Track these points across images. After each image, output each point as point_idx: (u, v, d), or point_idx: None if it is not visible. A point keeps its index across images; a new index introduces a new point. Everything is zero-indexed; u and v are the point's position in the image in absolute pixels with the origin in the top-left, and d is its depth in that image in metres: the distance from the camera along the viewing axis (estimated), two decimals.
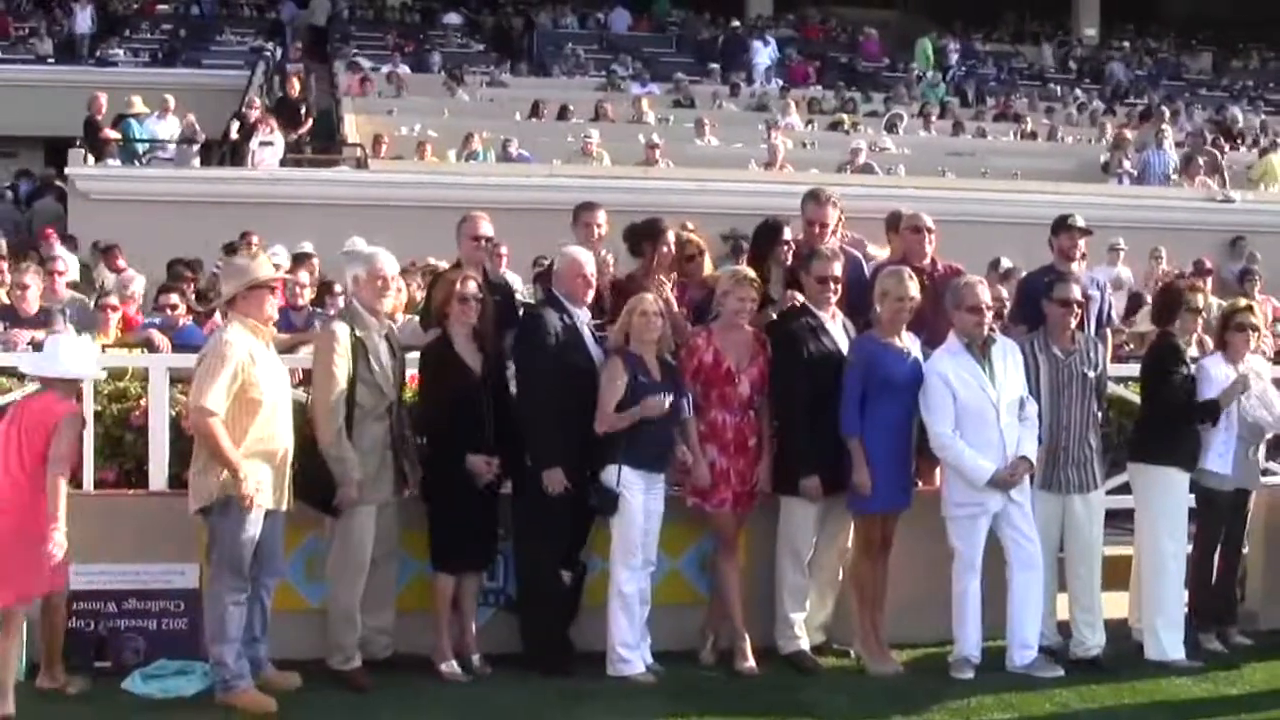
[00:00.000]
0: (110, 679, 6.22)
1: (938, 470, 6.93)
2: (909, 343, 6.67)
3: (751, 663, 6.59)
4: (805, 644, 6.74)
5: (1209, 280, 13.02)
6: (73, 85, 20.38)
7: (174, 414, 6.85)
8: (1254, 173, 19.63)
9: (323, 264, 11.50)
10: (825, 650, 6.89)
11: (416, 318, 7.53)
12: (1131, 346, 10.16)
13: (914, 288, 6.60)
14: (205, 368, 5.90)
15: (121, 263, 12.79)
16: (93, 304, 10.13)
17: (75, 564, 6.04)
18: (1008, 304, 8.53)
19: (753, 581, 6.77)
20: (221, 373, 5.82)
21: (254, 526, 5.92)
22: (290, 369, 6.51)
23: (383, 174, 16.80)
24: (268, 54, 23.37)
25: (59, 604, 6.07)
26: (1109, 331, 8.14)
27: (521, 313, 7.05)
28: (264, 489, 5.91)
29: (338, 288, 10.02)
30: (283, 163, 16.84)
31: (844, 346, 6.68)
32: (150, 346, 8.31)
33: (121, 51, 24.04)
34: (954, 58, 27.66)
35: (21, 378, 6.69)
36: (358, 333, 6.27)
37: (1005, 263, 12.05)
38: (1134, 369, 7.72)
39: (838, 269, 6.71)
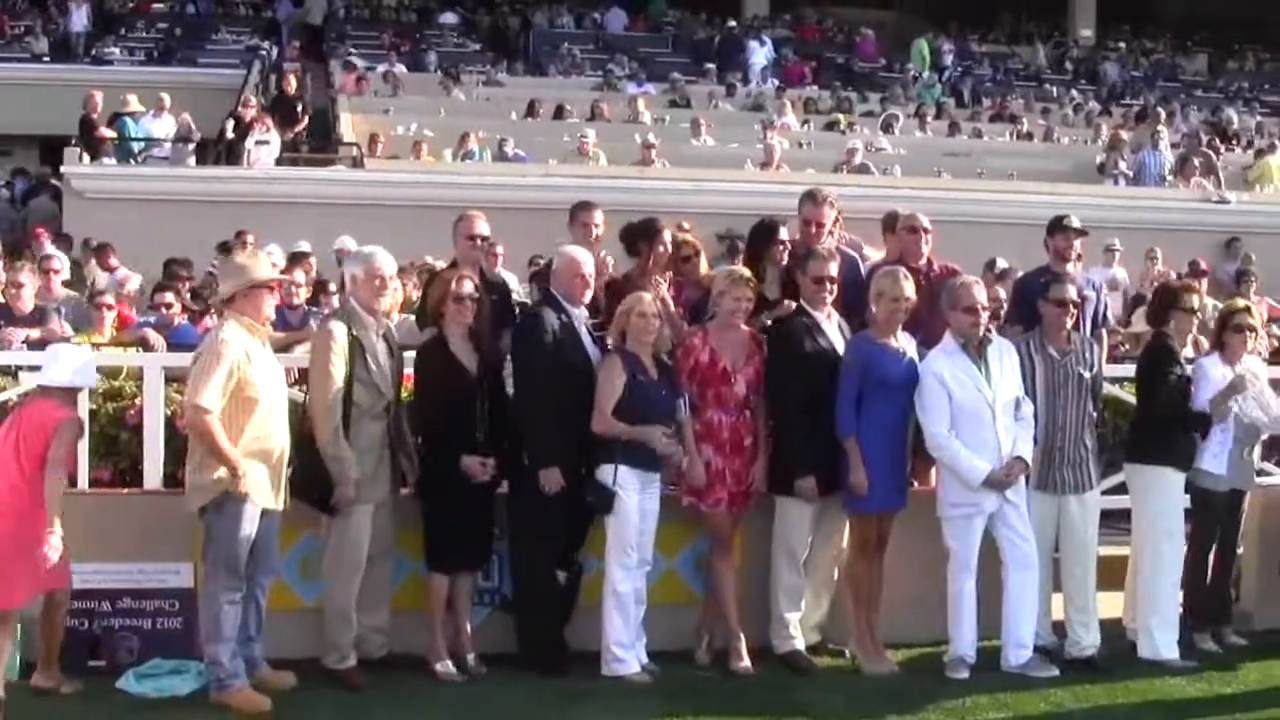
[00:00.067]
0: (104, 678, 6.20)
1: (933, 470, 6.93)
2: (905, 343, 6.68)
3: (746, 662, 6.59)
4: (800, 644, 6.74)
5: (1204, 281, 13.03)
6: (68, 84, 20.36)
7: (169, 413, 6.84)
8: (1251, 174, 19.66)
9: (319, 263, 11.51)
10: (820, 650, 6.89)
11: (412, 317, 7.53)
12: (1127, 347, 10.18)
13: (909, 288, 6.60)
14: (201, 366, 5.89)
15: (114, 261, 12.79)
16: (86, 302, 10.13)
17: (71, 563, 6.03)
18: (1004, 304, 8.54)
19: (748, 581, 6.77)
20: (217, 370, 5.81)
21: (250, 525, 5.92)
22: (287, 368, 6.51)
23: (378, 173, 16.80)
24: (263, 53, 23.34)
25: (62, 600, 6.05)
26: (1104, 332, 8.16)
27: (520, 312, 7.05)
28: (260, 488, 5.91)
29: (332, 286, 10.03)
30: (278, 162, 16.85)
31: (840, 347, 6.68)
32: (145, 345, 8.30)
33: (117, 50, 24.02)
34: (950, 58, 27.67)
35: (15, 376, 6.68)
36: (355, 332, 6.26)
37: (1001, 263, 12.06)
38: (1130, 369, 7.72)
39: (833, 269, 6.71)
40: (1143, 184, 18.85)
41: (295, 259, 11.69)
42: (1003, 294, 9.22)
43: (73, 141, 16.81)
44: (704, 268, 7.37)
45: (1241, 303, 7.82)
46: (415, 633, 6.47)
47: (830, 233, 7.30)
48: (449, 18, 27.99)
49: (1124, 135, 20.57)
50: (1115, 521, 7.48)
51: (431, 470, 6.43)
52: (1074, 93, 26.20)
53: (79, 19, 24.07)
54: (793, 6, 31.09)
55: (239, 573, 5.93)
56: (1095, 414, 6.98)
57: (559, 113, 20.61)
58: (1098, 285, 8.10)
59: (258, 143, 16.61)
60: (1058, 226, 7.58)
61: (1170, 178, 18.99)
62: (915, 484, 7.00)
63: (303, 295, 10.07)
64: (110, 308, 9.52)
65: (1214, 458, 7.03)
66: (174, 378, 6.94)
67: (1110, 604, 7.13)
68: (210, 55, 24.20)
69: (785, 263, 7.06)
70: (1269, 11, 30.34)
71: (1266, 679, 6.71)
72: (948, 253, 7.63)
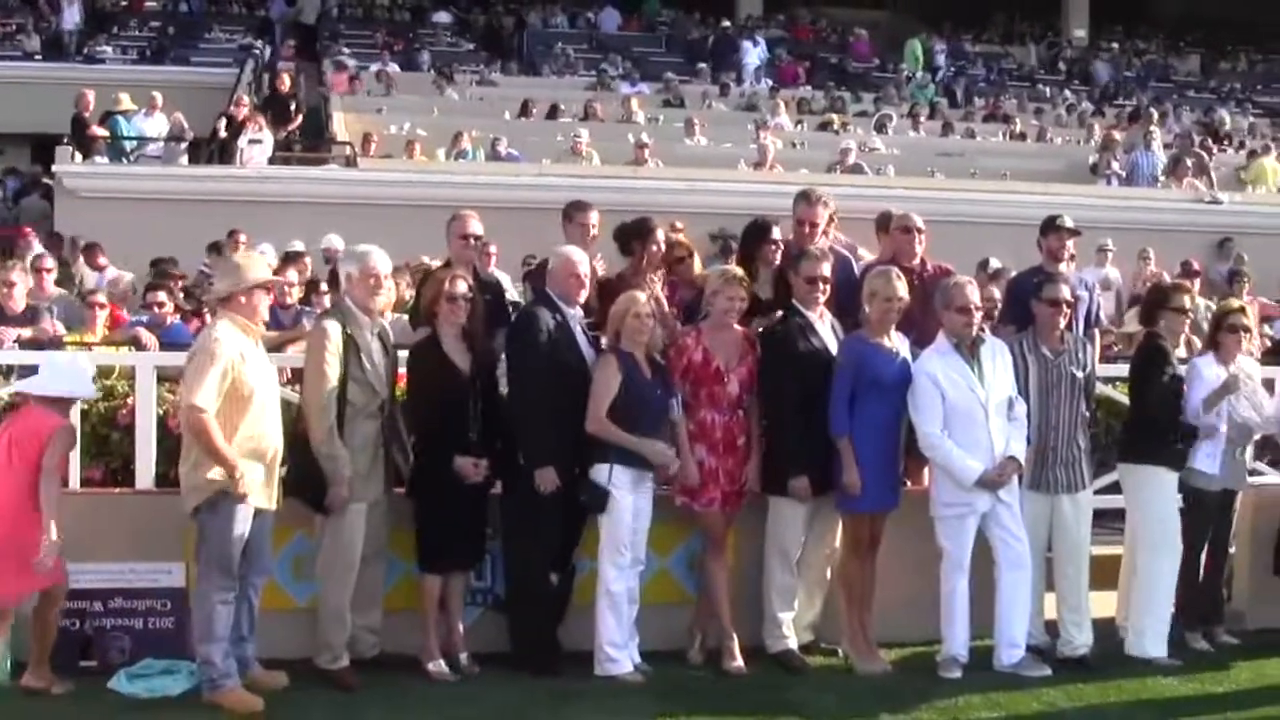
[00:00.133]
0: (96, 678, 6.19)
1: (926, 470, 6.93)
2: (898, 343, 6.68)
3: (739, 662, 6.59)
4: (793, 643, 6.74)
5: (1196, 281, 13.05)
6: (60, 82, 20.29)
7: (161, 412, 6.82)
8: (1246, 175, 19.68)
9: (313, 263, 11.49)
10: (813, 649, 6.89)
11: (405, 317, 7.52)
12: (1120, 347, 10.19)
13: (902, 288, 6.61)
14: (195, 365, 5.87)
15: (102, 260, 12.75)
16: (78, 301, 10.10)
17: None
18: (998, 304, 8.53)
19: (741, 581, 6.77)
20: (211, 370, 5.80)
21: (243, 525, 5.90)
22: (280, 367, 6.49)
23: (372, 172, 16.77)
24: (256, 52, 23.32)
25: (58, 595, 6.04)
26: (1097, 332, 8.17)
27: (514, 311, 7.04)
28: (254, 487, 5.90)
29: (324, 286, 10.02)
30: (271, 161, 16.80)
31: (833, 346, 6.68)
32: (137, 345, 8.28)
33: (109, 49, 23.97)
34: (943, 58, 27.72)
35: (7, 375, 6.66)
36: (350, 330, 6.25)
37: (994, 263, 12.03)
38: (1122, 369, 7.74)
39: (826, 269, 6.72)
40: (1135, 184, 18.88)
41: (290, 258, 11.68)
42: (996, 294, 9.21)
43: (65, 140, 16.76)
44: (698, 268, 7.37)
45: (1236, 303, 7.85)
46: (408, 632, 6.46)
47: (824, 233, 7.30)
48: (442, 17, 27.99)
49: (1117, 136, 20.61)
50: (1108, 521, 7.49)
51: (424, 470, 6.42)
52: (1067, 93, 26.26)
53: (71, 17, 24.02)
54: (786, 6, 31.13)
55: (231, 572, 5.92)
56: (1088, 414, 6.99)
57: (552, 112, 20.61)
58: (1090, 285, 8.09)
59: (250, 142, 16.57)
60: (1051, 226, 7.59)
61: (1163, 178, 19.01)
62: (908, 484, 7.00)
63: (295, 295, 10.04)
64: (103, 306, 9.50)
65: (1207, 457, 7.04)
66: (166, 377, 6.93)
67: (1103, 603, 7.15)
68: (203, 54, 24.15)
69: (778, 263, 7.06)
70: (1263, 13, 30.42)
71: (1258, 678, 6.73)
72: (941, 253, 7.63)
